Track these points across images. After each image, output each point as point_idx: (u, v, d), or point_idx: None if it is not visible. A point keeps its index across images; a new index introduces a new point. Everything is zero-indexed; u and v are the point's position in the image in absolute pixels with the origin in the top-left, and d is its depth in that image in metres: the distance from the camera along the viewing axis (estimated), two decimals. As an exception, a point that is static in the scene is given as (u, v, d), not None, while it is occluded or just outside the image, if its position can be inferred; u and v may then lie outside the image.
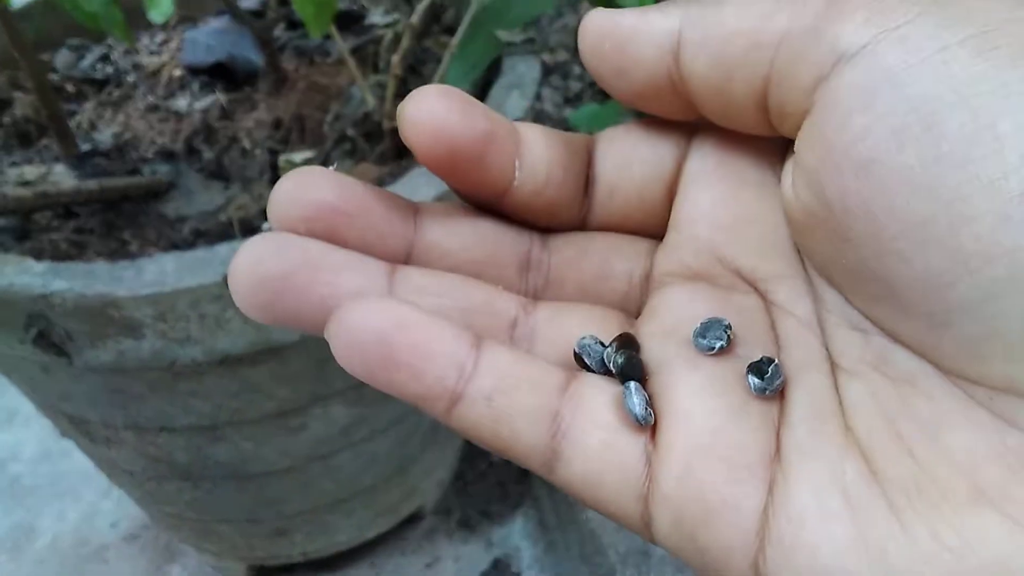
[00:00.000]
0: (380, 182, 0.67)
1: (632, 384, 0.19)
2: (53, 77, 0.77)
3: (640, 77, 0.20)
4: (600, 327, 0.21)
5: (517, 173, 0.21)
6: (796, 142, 0.18)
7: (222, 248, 0.54)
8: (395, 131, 0.69)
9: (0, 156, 0.69)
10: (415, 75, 0.78)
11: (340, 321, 0.18)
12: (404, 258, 0.21)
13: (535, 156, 0.21)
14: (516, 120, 0.65)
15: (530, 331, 0.21)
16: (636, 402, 0.18)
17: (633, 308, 0.23)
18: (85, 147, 0.69)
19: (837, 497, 0.16)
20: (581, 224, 0.23)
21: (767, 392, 0.18)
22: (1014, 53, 0.15)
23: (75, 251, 0.62)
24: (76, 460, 0.98)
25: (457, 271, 0.21)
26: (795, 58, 0.17)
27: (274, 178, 0.70)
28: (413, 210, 0.21)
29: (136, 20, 0.74)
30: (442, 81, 0.65)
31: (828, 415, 0.18)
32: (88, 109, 0.74)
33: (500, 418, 0.18)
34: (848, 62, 0.16)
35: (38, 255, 0.58)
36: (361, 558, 0.92)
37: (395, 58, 0.65)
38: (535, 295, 0.22)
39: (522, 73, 0.69)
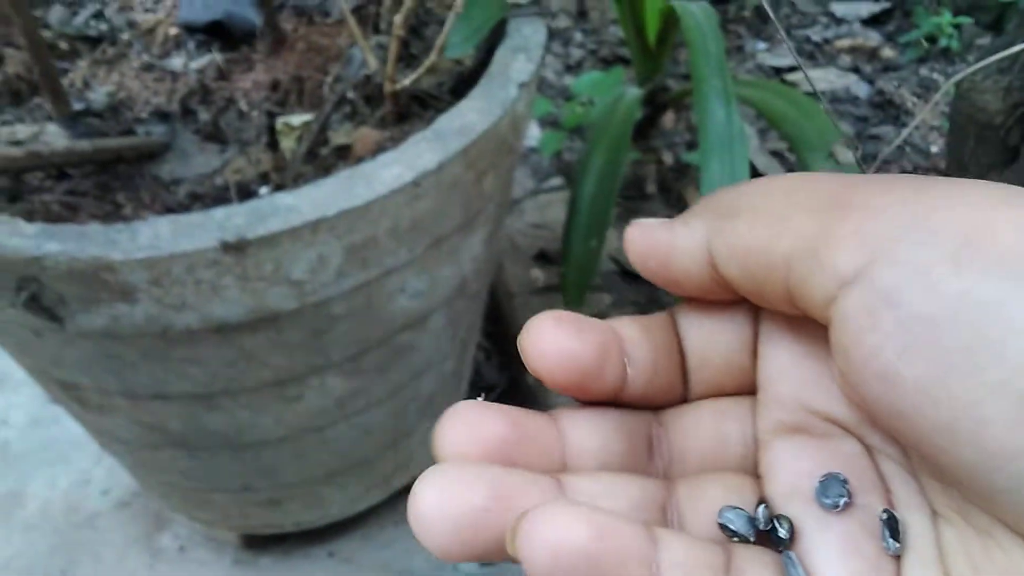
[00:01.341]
0: (381, 146, 0.65)
1: (792, 555, 0.19)
2: (46, 34, 0.75)
3: (690, 284, 0.22)
4: (736, 495, 0.21)
5: (629, 370, 0.22)
6: (830, 344, 0.19)
7: (219, 212, 0.53)
8: (396, 95, 0.67)
9: (-11, 114, 0.67)
10: (417, 37, 0.76)
11: (533, 534, 0.17)
12: (561, 467, 0.22)
13: (640, 350, 0.22)
14: (521, 84, 0.62)
15: (678, 513, 0.22)
16: (801, 574, 0.19)
17: (753, 467, 0.23)
18: (78, 106, 0.67)
19: None
20: (683, 396, 0.24)
21: (899, 552, 0.19)
22: (987, 265, 0.16)
23: (68, 213, 0.60)
24: (67, 426, 0.97)
25: (604, 468, 0.22)
26: (804, 280, 0.19)
27: (271, 141, 0.68)
28: (553, 417, 0.22)
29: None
30: (445, 42, 0.63)
31: (931, 562, 0.19)
32: (82, 67, 0.72)
33: None
34: (850, 286, 0.18)
35: (29, 217, 0.56)
36: (354, 529, 0.91)
37: (397, 19, 0.63)
38: (665, 473, 0.23)
39: (528, 36, 0.68)
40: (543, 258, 1.10)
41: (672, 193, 1.14)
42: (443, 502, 0.18)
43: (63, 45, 0.75)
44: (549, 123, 1.28)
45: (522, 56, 0.65)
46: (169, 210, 0.62)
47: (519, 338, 0.21)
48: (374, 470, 0.82)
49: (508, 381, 1.09)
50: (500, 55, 0.65)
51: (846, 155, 0.77)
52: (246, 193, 0.64)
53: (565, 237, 0.87)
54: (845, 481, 0.20)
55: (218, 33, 0.74)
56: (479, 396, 0.21)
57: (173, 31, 0.76)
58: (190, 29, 0.75)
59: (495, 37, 0.68)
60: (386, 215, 0.56)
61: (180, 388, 0.61)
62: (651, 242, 0.22)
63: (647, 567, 0.18)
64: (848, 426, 0.22)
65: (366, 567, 0.90)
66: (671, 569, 0.18)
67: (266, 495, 0.77)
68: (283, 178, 0.66)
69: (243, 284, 0.54)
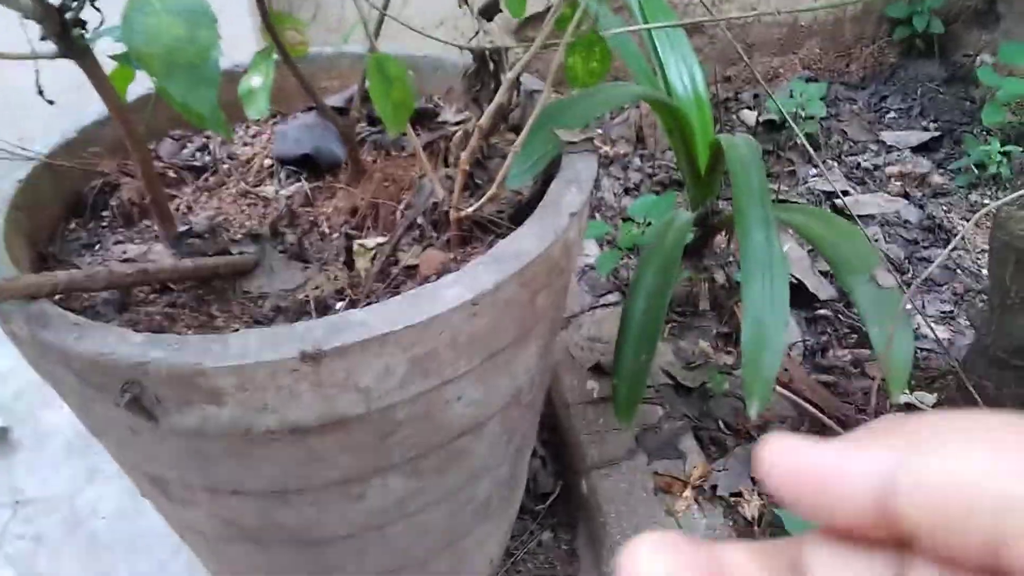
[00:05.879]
0: (446, 266, 0.72)
1: None
2: (157, 164, 0.85)
3: (845, 514, 0.20)
4: None
5: None
6: None
7: (300, 326, 0.60)
8: (461, 220, 0.74)
9: (106, 235, 0.77)
10: (481, 168, 0.84)
11: None
12: None
13: None
14: (572, 213, 0.68)
15: None
16: None
17: None
18: (182, 228, 0.76)
19: None
20: None
21: None
22: None
23: (167, 323, 0.68)
24: (150, 519, 1.03)
25: None
26: None
27: (348, 260, 0.76)
28: None
29: (232, 113, 0.82)
30: (506, 175, 0.71)
31: None
32: (187, 194, 0.82)
33: None
34: None
35: (134, 326, 0.64)
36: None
37: (464, 155, 0.71)
38: None
39: (579, 170, 0.74)
40: (599, 370, 1.14)
41: (724, 310, 1.18)
42: None
43: (171, 174, 0.85)
44: (607, 242, 1.34)
45: (574, 188, 0.72)
46: (256, 322, 0.70)
47: (616, 559, 0.20)
48: (429, 571, 0.85)
49: (562, 488, 1.12)
50: (554, 187, 0.72)
51: (887, 279, 0.80)
52: (323, 307, 0.71)
53: (617, 351, 0.92)
54: None
55: (307, 164, 0.83)
56: None
57: (267, 162, 0.85)
58: (283, 161, 0.84)
59: (551, 169, 0.75)
60: (447, 330, 0.62)
61: (256, 484, 0.67)
62: (810, 462, 0.20)
63: None
64: None
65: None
66: None
67: (328, 591, 0.81)
68: (357, 294, 0.73)
69: (317, 390, 0.61)
